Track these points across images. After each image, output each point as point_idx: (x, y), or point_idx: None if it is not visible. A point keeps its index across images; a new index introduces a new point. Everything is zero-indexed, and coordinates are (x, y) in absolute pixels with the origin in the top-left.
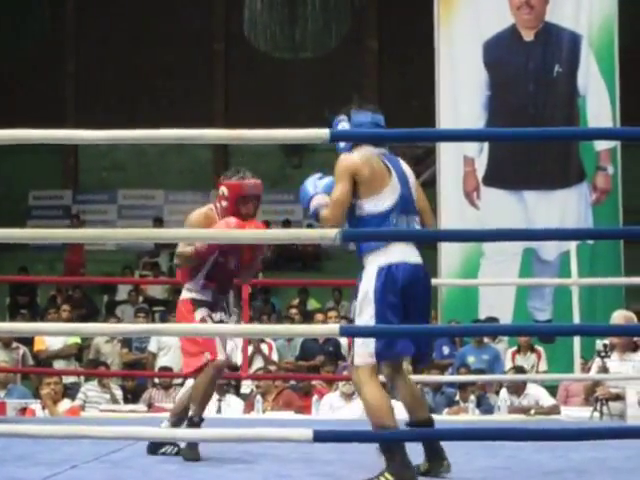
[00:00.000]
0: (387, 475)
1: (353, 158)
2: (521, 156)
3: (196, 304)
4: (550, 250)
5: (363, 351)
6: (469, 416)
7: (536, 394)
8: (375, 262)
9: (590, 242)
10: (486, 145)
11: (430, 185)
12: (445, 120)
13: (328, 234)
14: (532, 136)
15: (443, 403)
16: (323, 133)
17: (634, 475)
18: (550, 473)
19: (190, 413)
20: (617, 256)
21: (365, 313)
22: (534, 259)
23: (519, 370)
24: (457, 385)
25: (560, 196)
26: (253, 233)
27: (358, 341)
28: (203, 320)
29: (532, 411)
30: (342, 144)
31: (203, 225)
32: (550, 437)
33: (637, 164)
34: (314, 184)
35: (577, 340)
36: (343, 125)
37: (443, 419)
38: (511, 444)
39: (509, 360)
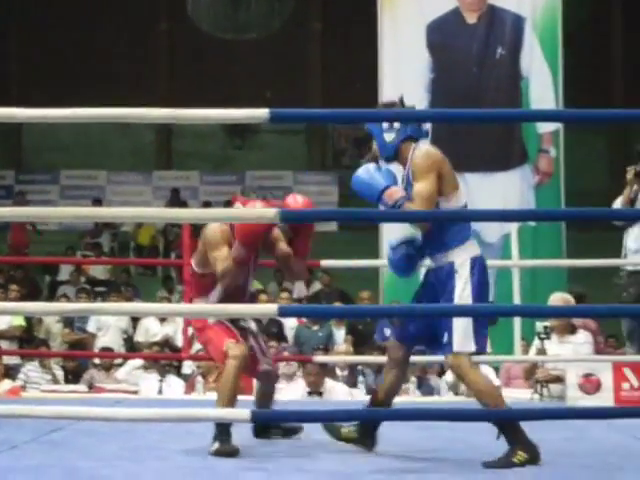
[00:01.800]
0: (521, 452)
1: (436, 152)
2: (463, 138)
3: None
4: (492, 232)
5: (465, 339)
6: (410, 397)
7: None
8: (464, 255)
9: (532, 224)
10: (428, 127)
11: None
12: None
13: (267, 213)
14: (475, 117)
15: None
16: (262, 113)
17: (574, 457)
18: (489, 454)
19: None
20: (559, 239)
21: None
22: (476, 241)
23: None
24: None
25: (502, 178)
26: (193, 212)
27: (459, 329)
28: (220, 323)
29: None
30: (389, 139)
31: (221, 240)
32: (489, 418)
33: (580, 147)
34: (379, 174)
35: (517, 322)
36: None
37: None
38: (451, 426)
39: None
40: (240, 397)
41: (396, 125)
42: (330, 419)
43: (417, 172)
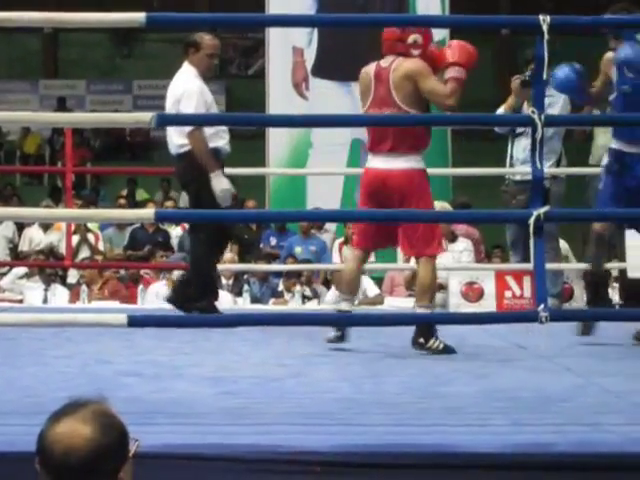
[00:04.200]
0: None
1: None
2: (350, 47)
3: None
4: None
5: None
6: (294, 305)
7: (362, 285)
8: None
9: None
10: (315, 36)
11: (259, 77)
12: (275, 11)
13: (143, 118)
14: (363, 23)
15: (269, 293)
16: (139, 17)
17: (453, 360)
18: (371, 359)
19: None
20: (444, 148)
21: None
22: (362, 150)
23: None
24: (283, 276)
25: None
26: (76, 116)
27: None
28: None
29: (356, 301)
30: None
31: (429, 70)
32: (368, 323)
33: None
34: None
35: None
36: None
37: (268, 309)
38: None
39: (336, 251)
40: (124, 305)
41: None
42: (209, 324)
43: None
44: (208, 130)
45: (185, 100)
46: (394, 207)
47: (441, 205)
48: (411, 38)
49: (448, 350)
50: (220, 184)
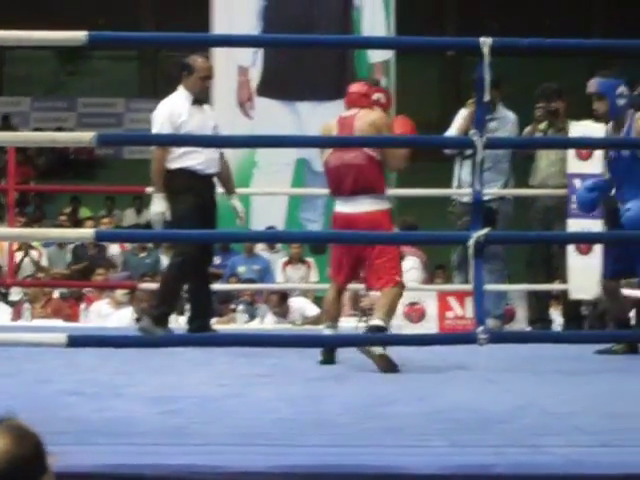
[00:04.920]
0: None
1: None
2: (295, 67)
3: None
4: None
5: None
6: (238, 325)
7: (300, 306)
8: None
9: None
10: (260, 55)
11: None
12: (220, 30)
13: (84, 137)
14: (306, 43)
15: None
16: (81, 35)
17: (393, 381)
18: (312, 380)
19: (382, 324)
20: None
21: None
22: (306, 170)
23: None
24: (225, 295)
25: (334, 107)
26: (17, 135)
27: None
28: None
29: (298, 321)
30: (621, 103)
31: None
32: (307, 344)
33: (410, 76)
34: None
35: None
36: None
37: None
38: (275, 353)
39: (280, 271)
40: (66, 324)
41: (625, 93)
42: (149, 345)
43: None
44: (177, 150)
45: (154, 121)
46: (363, 249)
47: None
48: (375, 96)
49: (390, 364)
50: (154, 207)
